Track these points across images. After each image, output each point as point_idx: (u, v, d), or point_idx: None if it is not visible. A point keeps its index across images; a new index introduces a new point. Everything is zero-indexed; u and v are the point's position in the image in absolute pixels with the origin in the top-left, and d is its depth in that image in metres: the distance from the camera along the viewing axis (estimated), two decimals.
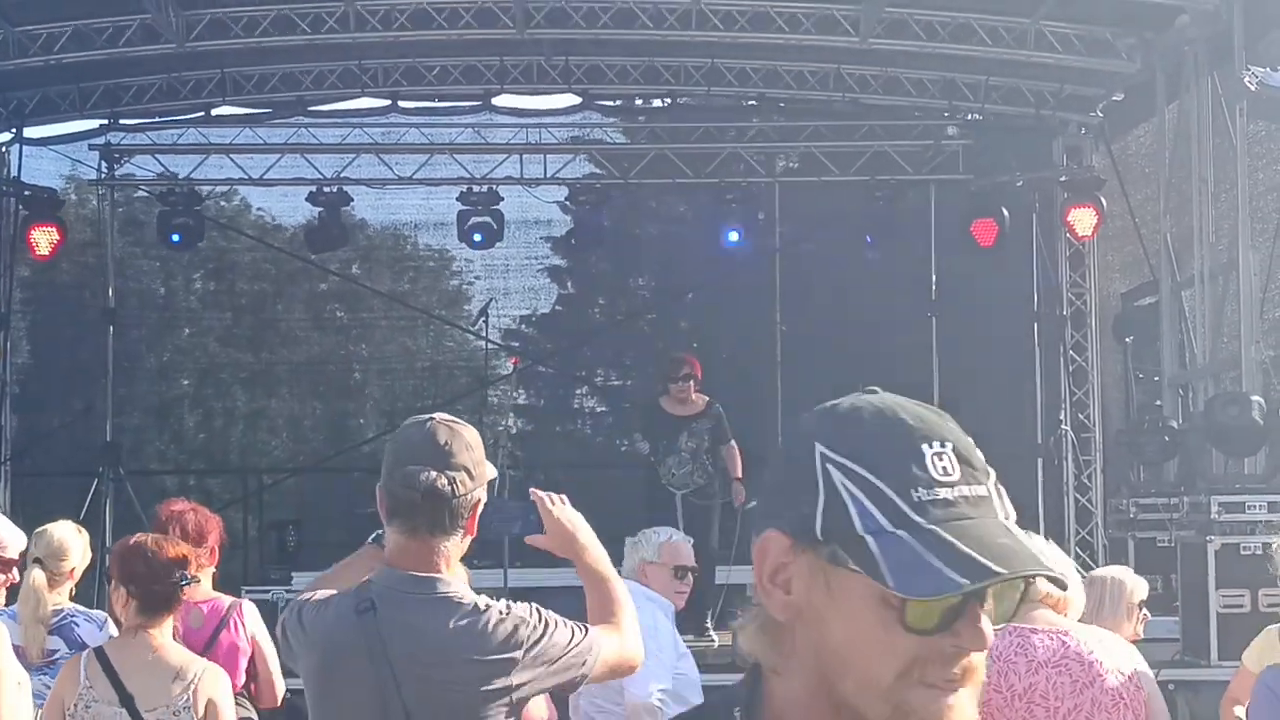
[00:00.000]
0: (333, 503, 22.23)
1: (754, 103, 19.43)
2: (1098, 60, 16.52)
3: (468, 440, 4.39)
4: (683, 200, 21.27)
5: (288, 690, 7.83)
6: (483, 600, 4.34)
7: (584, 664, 4.39)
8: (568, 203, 20.84)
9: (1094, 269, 18.56)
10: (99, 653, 6.02)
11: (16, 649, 6.79)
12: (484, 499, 4.44)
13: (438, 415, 4.46)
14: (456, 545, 4.37)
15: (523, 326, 22.85)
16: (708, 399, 15.06)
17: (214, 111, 18.85)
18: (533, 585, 12.01)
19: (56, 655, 7.18)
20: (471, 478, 4.34)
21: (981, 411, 19.55)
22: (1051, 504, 18.17)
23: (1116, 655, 5.34)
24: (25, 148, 18.54)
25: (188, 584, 6.04)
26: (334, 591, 4.53)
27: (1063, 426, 18.28)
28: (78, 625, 7.38)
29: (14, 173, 18.40)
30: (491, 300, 18.34)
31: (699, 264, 21.03)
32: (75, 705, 5.90)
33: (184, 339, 23.18)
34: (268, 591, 13.63)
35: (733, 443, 14.87)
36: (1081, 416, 18.40)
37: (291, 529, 18.29)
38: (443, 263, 23.36)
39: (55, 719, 5.97)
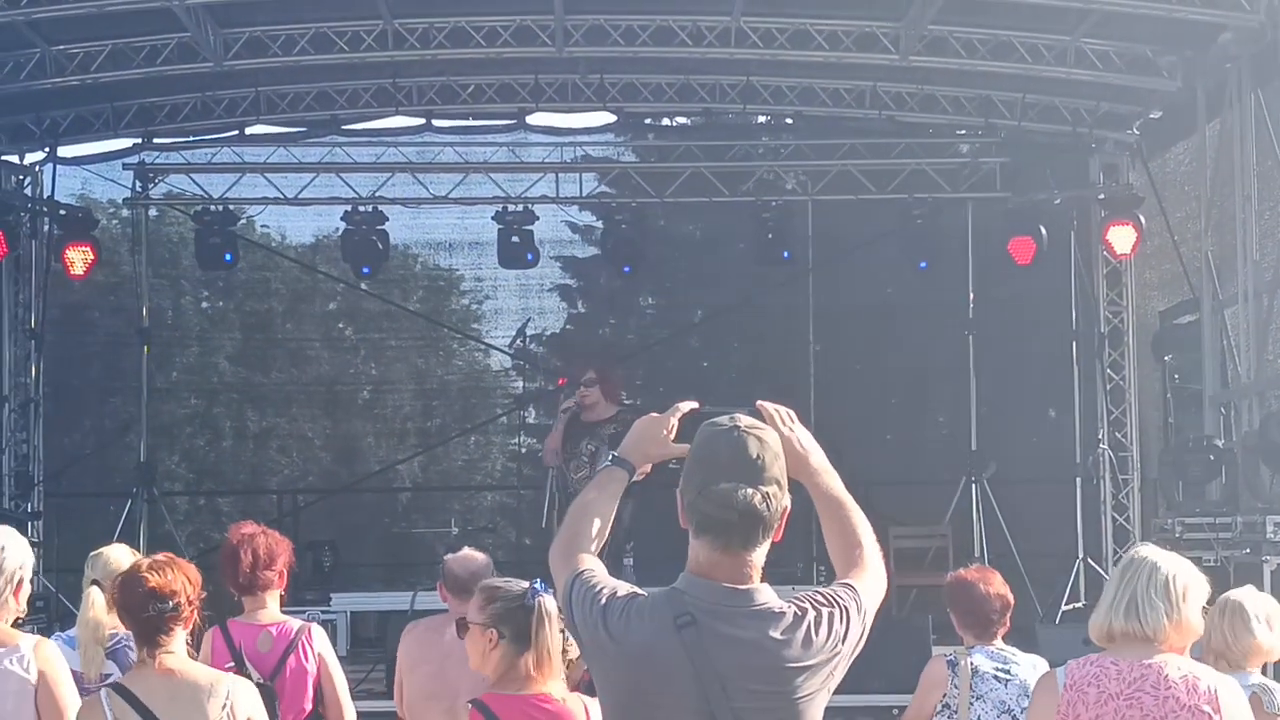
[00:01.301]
0: (365, 522, 22.26)
1: (790, 120, 19.35)
2: (1138, 78, 16.44)
3: (775, 449, 4.27)
4: (716, 218, 21.15)
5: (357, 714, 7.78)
6: (795, 606, 4.25)
7: (868, 624, 4.37)
8: (598, 221, 20.81)
9: (1131, 287, 18.46)
10: (118, 688, 5.85)
11: (75, 674, 6.77)
12: (789, 507, 4.34)
13: (741, 420, 4.30)
14: (764, 554, 4.27)
15: (533, 346, 22.66)
16: (619, 408, 14.85)
17: (248, 130, 18.84)
18: None
19: (110, 678, 7.11)
20: (781, 489, 4.25)
21: (1019, 430, 19.60)
22: (1090, 523, 18.08)
23: (1202, 694, 5.19)
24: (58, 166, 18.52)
25: (171, 613, 5.89)
26: (625, 586, 4.35)
27: (1101, 445, 18.18)
28: (131, 650, 7.32)
29: (48, 192, 18.37)
30: (529, 320, 18.26)
31: (732, 282, 20.98)
32: None
33: (195, 358, 23.15)
34: (304, 612, 13.50)
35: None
36: (1119, 435, 18.30)
37: (327, 549, 18.20)
38: (451, 282, 23.37)
39: None
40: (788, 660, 4.17)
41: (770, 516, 4.21)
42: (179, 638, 5.92)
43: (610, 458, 4.67)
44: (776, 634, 4.18)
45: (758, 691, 4.15)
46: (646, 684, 4.20)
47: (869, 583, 4.43)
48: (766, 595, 4.25)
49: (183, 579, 5.92)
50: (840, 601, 4.30)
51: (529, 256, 18.97)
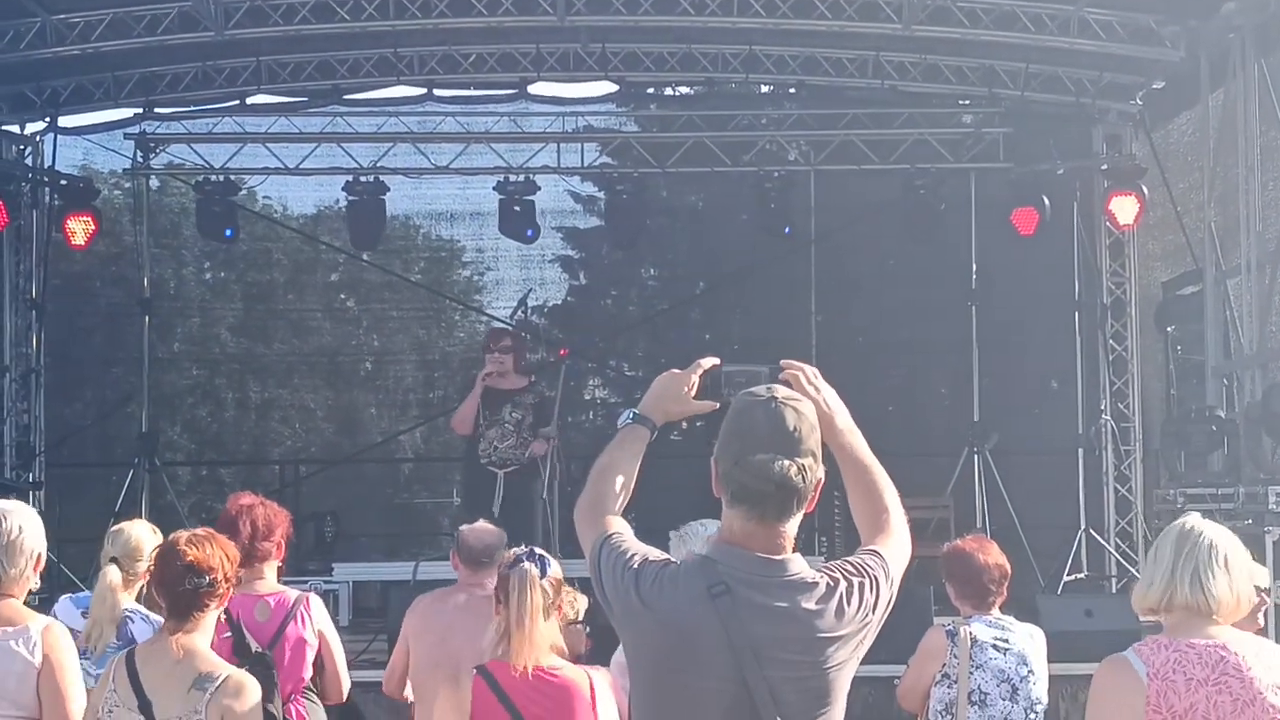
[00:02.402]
0: (367, 493, 22.26)
1: (793, 90, 19.30)
2: (1141, 48, 16.36)
3: (811, 421, 4.28)
4: (718, 189, 21.10)
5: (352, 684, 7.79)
6: (828, 576, 4.27)
7: (895, 590, 4.39)
8: (600, 192, 20.78)
9: (1134, 258, 18.40)
10: (128, 657, 5.90)
11: (74, 633, 6.80)
12: (823, 478, 4.33)
13: (779, 392, 4.31)
14: (797, 524, 4.30)
15: (535, 318, 22.57)
16: (531, 378, 14.76)
17: (249, 100, 18.80)
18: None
19: (108, 650, 7.14)
20: (817, 460, 4.26)
21: (1021, 401, 19.58)
22: (1092, 494, 18.03)
23: (1274, 668, 5.11)
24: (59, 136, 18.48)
25: (206, 589, 5.89)
26: (655, 552, 4.37)
27: (1103, 416, 18.15)
28: (133, 623, 7.34)
29: (48, 162, 18.34)
30: (530, 291, 18.21)
31: (735, 253, 20.95)
32: (100, 709, 5.82)
33: (196, 328, 23.14)
34: (305, 583, 13.50)
35: (553, 428, 14.19)
36: (1121, 406, 18.27)
37: (329, 520, 18.20)
38: (453, 253, 23.35)
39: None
40: (821, 630, 4.20)
41: (805, 488, 4.24)
42: (210, 616, 5.94)
43: (630, 415, 4.66)
44: (810, 604, 4.21)
45: (790, 661, 4.17)
46: (679, 652, 4.21)
47: (895, 548, 4.45)
48: (799, 566, 4.28)
49: (220, 555, 5.94)
50: (870, 571, 4.32)
51: (529, 232, 18.90)
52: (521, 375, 14.59)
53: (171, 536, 6.05)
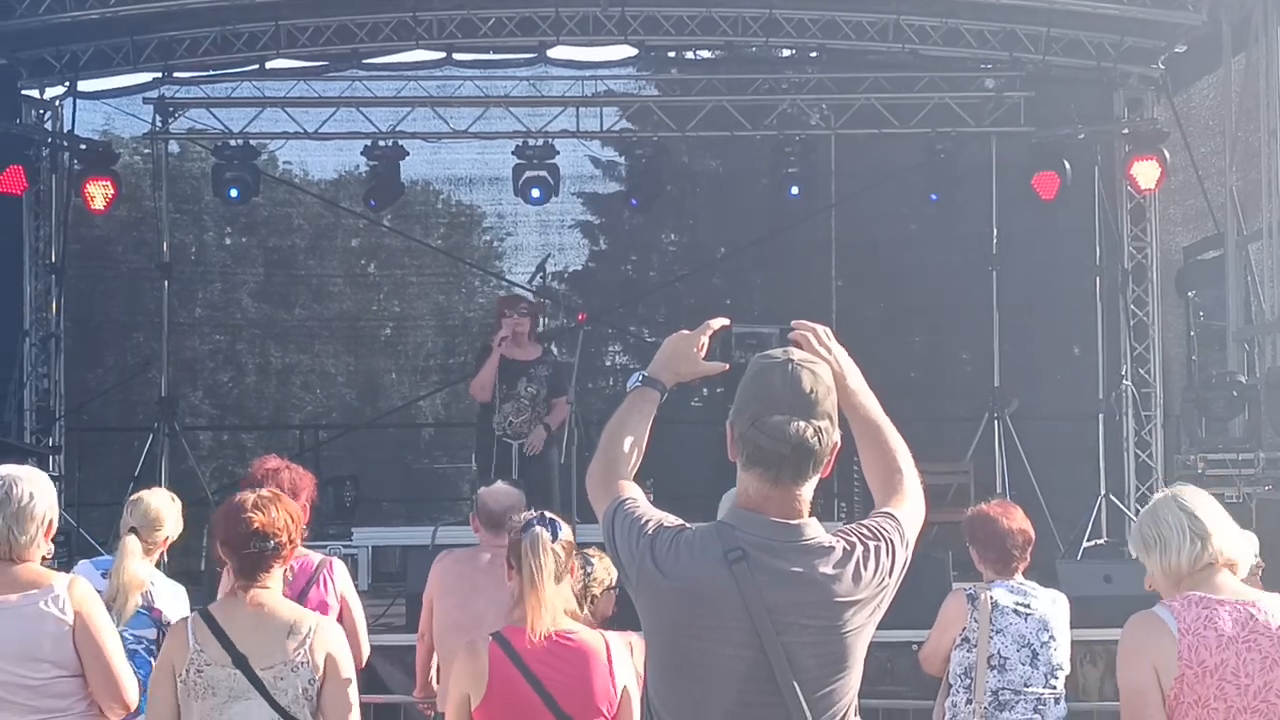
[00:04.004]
0: (387, 458, 22.29)
1: (814, 54, 19.23)
2: (1162, 11, 16.31)
3: (828, 383, 4.27)
4: (739, 153, 21.04)
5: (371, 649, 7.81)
6: (844, 541, 4.26)
7: (910, 553, 4.38)
8: (620, 157, 20.72)
9: (1155, 222, 18.34)
10: (205, 615, 5.96)
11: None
12: (840, 443, 4.32)
13: (795, 354, 4.29)
14: (813, 488, 4.28)
15: (554, 283, 22.50)
16: (544, 348, 14.64)
17: (268, 65, 18.76)
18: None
19: (139, 614, 7.18)
20: (833, 423, 4.25)
21: (1042, 367, 19.55)
22: (1112, 460, 18.01)
23: None
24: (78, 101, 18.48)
25: (271, 552, 5.94)
26: (670, 518, 4.35)
27: (1124, 382, 18.11)
28: (154, 587, 7.38)
29: (68, 126, 18.34)
30: (549, 256, 18.17)
31: (755, 218, 20.90)
32: (187, 670, 5.82)
33: (217, 294, 23.16)
34: (325, 547, 13.54)
35: (567, 398, 14.09)
36: (1142, 371, 18.21)
37: (349, 484, 18.22)
38: (473, 219, 23.33)
39: (165, 684, 5.89)
40: (837, 595, 4.19)
41: (821, 451, 4.22)
42: (276, 574, 6.03)
43: (640, 377, 4.65)
44: (827, 569, 4.20)
45: (807, 626, 4.16)
46: (695, 617, 4.19)
47: (909, 510, 4.44)
48: (815, 530, 4.27)
49: (285, 517, 6.03)
50: (886, 534, 4.31)
51: (544, 193, 18.75)
52: (536, 344, 14.48)
53: (239, 497, 6.11)
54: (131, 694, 6.22)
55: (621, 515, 4.36)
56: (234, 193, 18.58)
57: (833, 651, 4.19)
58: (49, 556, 6.45)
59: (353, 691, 5.94)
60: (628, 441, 4.53)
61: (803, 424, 4.17)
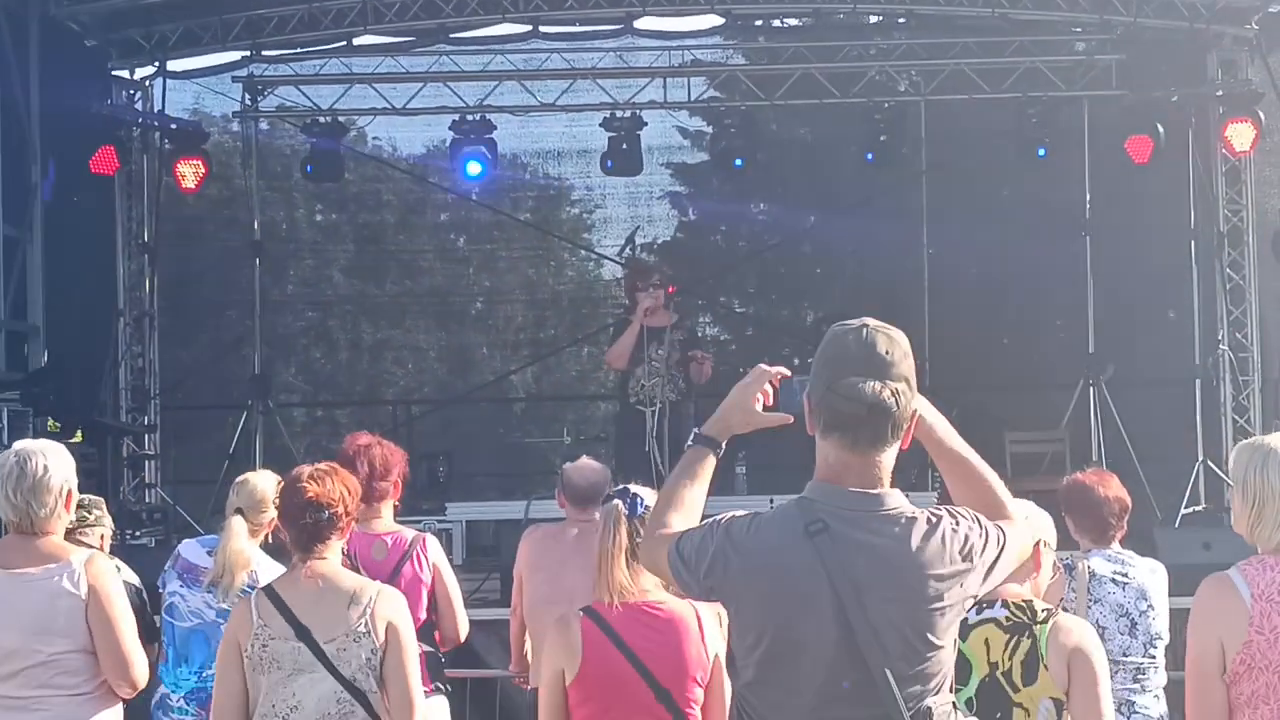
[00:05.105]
0: (479, 432, 22.34)
1: (902, 20, 19.09)
2: None
3: (904, 348, 4.18)
4: (827, 121, 20.91)
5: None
6: (929, 513, 4.17)
7: (1009, 566, 4.28)
8: (708, 126, 20.64)
9: (1251, 185, 18.06)
10: (268, 590, 6.02)
11: (200, 570, 7.31)
12: (919, 411, 4.24)
13: (869, 320, 4.21)
14: (893, 458, 4.19)
15: (644, 255, 22.38)
16: (677, 316, 14.69)
17: (355, 41, 18.81)
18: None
19: (244, 591, 7.26)
20: (911, 387, 4.16)
21: (1137, 332, 19.34)
22: (1210, 426, 17.79)
23: None
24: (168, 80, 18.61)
25: (326, 524, 5.96)
26: (741, 510, 4.29)
27: (1221, 346, 17.89)
28: (259, 569, 7.45)
29: (158, 106, 18.45)
30: (638, 228, 18.12)
31: (845, 186, 20.77)
32: (252, 645, 5.87)
33: (309, 270, 23.25)
34: (419, 522, 13.58)
35: (703, 352, 14.30)
36: (1239, 336, 17.98)
37: (442, 459, 18.27)
38: (561, 192, 23.30)
39: (232, 660, 5.93)
40: (922, 567, 4.08)
41: (899, 414, 4.12)
42: (334, 546, 6.07)
43: (693, 436, 4.56)
44: (911, 540, 4.09)
45: (892, 599, 4.07)
46: (780, 596, 4.12)
47: (1016, 533, 4.30)
48: (898, 500, 4.17)
49: (342, 489, 6.05)
50: (980, 520, 4.20)
51: (629, 165, 18.67)
52: (670, 311, 14.55)
53: (295, 471, 6.17)
54: (141, 672, 6.30)
55: (685, 541, 4.29)
56: (309, 169, 18.82)
57: (919, 626, 4.09)
58: (73, 527, 6.50)
59: (413, 660, 5.96)
60: (675, 519, 4.40)
61: (878, 384, 4.08)
